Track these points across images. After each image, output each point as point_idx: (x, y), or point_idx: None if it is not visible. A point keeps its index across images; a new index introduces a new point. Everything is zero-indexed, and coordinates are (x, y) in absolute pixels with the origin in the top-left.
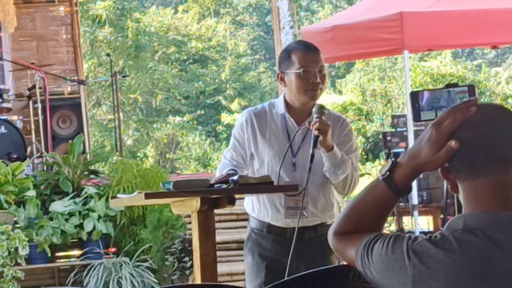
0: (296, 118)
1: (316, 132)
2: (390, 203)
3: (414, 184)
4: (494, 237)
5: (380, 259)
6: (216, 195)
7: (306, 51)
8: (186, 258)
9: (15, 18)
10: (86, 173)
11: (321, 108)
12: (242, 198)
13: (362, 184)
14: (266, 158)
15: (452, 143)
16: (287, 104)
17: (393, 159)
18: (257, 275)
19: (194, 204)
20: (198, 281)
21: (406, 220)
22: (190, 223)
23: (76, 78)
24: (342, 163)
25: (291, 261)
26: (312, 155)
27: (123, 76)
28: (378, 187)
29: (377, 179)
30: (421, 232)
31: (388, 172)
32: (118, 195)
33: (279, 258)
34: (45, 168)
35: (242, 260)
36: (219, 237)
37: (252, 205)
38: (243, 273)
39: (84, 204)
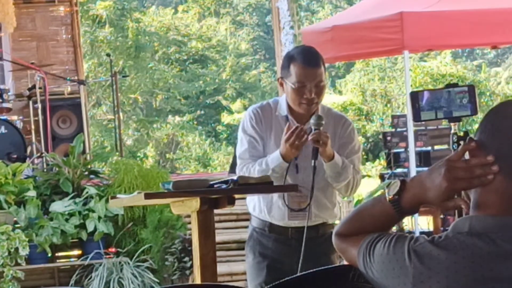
0: (298, 120)
1: (315, 144)
2: (394, 221)
3: None
4: (499, 241)
5: (381, 259)
6: (216, 195)
7: (305, 65)
8: (186, 258)
9: (14, 18)
10: (86, 173)
11: (319, 119)
12: (242, 198)
13: (363, 185)
14: None
15: (463, 206)
16: (289, 106)
17: (400, 179)
18: (258, 274)
19: (194, 204)
20: (198, 281)
21: (406, 220)
22: (190, 223)
23: (76, 78)
24: (344, 170)
25: (292, 260)
26: (314, 167)
27: (123, 76)
28: (384, 204)
29: (384, 194)
30: (421, 232)
31: (396, 196)
32: (118, 195)
33: (280, 257)
34: (45, 169)
35: (242, 260)
36: (219, 237)
37: (253, 204)
38: (243, 273)
39: (84, 204)
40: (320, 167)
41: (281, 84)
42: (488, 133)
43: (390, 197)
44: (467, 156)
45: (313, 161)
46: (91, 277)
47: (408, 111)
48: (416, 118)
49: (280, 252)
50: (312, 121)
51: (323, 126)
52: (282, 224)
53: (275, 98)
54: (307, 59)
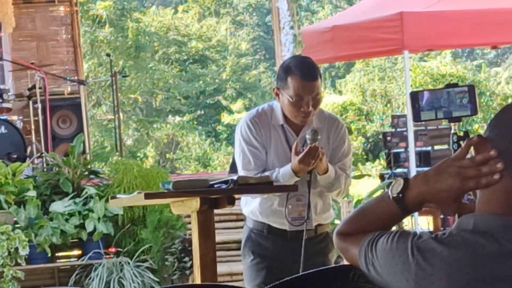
0: (294, 129)
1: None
2: (397, 219)
3: None
4: (502, 241)
5: (384, 254)
6: (216, 195)
7: (303, 79)
8: (186, 258)
9: (13, 19)
10: (86, 173)
11: (315, 134)
12: None
13: (363, 185)
14: (269, 166)
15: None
16: (284, 115)
17: (404, 177)
18: (256, 275)
19: (194, 204)
20: (198, 281)
21: (406, 220)
22: (190, 223)
23: (76, 78)
24: (336, 180)
25: (291, 260)
26: (309, 182)
27: (123, 76)
28: (388, 203)
29: (387, 193)
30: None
31: (400, 195)
32: (118, 196)
33: (279, 257)
34: (45, 168)
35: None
36: (219, 237)
37: (250, 209)
38: (243, 273)
39: (84, 204)
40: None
41: (277, 95)
42: (496, 132)
43: (394, 195)
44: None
45: (308, 175)
46: (91, 277)
47: (408, 111)
48: (416, 118)
49: (279, 252)
50: (308, 136)
51: (319, 121)
52: (280, 226)
53: (269, 104)
54: (305, 72)
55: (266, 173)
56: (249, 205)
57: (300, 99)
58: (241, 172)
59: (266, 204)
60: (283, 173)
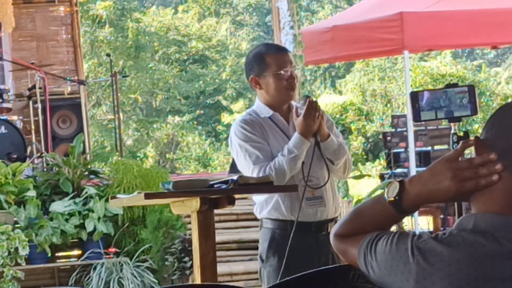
0: (282, 115)
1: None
2: (394, 221)
3: None
4: (502, 240)
5: (384, 256)
6: (216, 195)
7: (279, 52)
8: (186, 258)
9: (13, 19)
10: (86, 173)
11: (307, 97)
12: (242, 198)
13: (363, 185)
14: (275, 156)
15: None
16: (269, 107)
17: (399, 180)
18: (283, 276)
19: (194, 204)
20: (198, 281)
21: (406, 220)
22: (190, 223)
23: (76, 78)
24: (340, 147)
25: (319, 255)
26: (316, 141)
27: (123, 76)
28: (384, 205)
29: (383, 195)
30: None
31: (397, 197)
32: (118, 195)
33: (307, 254)
34: (45, 168)
35: (242, 260)
36: (219, 237)
37: (270, 207)
38: (243, 273)
39: (84, 204)
40: (321, 163)
41: (257, 83)
42: (494, 131)
43: (391, 198)
44: (467, 154)
45: (314, 139)
46: (90, 277)
47: (408, 111)
48: (416, 118)
49: (305, 250)
50: (301, 101)
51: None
52: (303, 219)
53: (249, 109)
54: (277, 47)
55: (278, 155)
56: (268, 205)
57: (285, 70)
58: (253, 171)
59: (285, 196)
60: (293, 143)
